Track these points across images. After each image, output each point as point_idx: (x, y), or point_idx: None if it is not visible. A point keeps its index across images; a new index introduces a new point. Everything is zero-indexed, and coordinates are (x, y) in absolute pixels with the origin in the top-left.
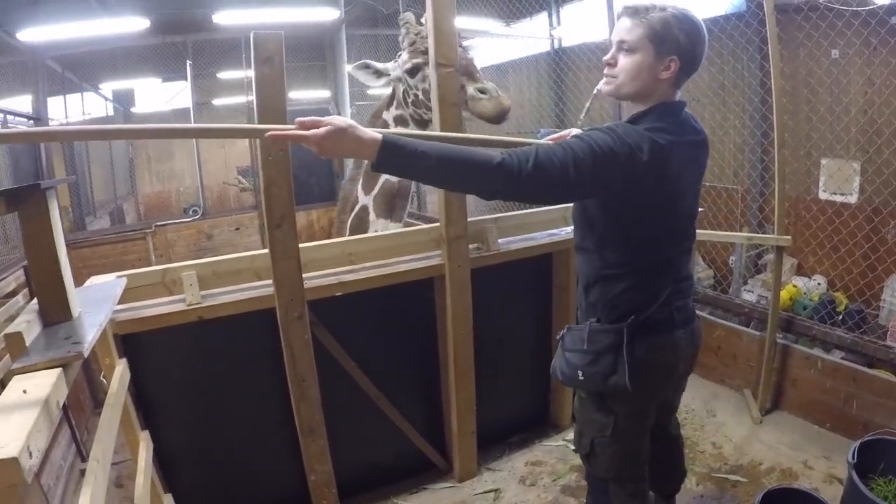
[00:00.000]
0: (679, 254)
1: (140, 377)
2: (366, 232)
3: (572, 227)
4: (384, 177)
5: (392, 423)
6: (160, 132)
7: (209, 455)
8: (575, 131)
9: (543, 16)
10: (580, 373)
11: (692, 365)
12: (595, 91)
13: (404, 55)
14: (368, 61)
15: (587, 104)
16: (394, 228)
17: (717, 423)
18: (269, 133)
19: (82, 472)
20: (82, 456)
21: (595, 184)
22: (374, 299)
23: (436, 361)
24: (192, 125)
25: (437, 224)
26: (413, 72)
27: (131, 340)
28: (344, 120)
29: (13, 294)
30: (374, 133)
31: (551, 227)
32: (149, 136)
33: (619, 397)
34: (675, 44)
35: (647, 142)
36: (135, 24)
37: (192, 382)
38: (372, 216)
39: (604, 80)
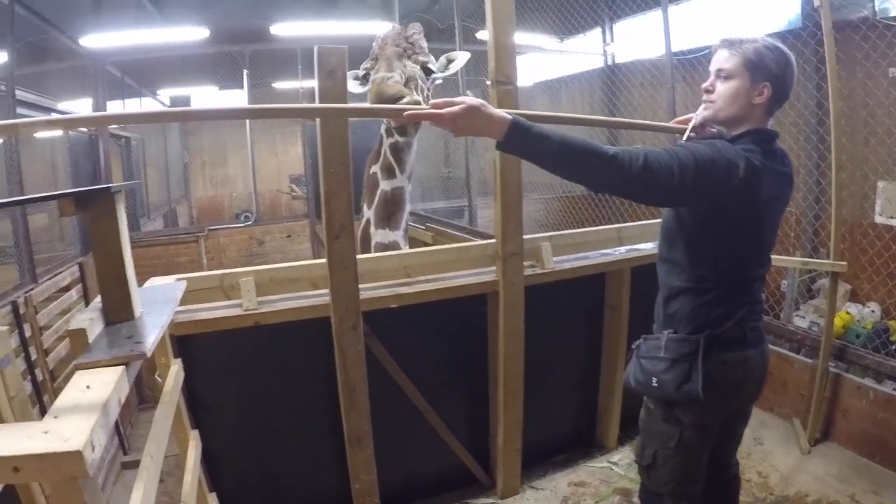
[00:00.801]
0: (756, 278)
1: (192, 377)
2: (369, 244)
3: (626, 248)
4: (380, 187)
5: (438, 436)
6: (280, 111)
7: (255, 457)
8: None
9: (597, 32)
10: (654, 379)
11: (759, 391)
12: (695, 116)
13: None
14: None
15: (688, 131)
16: (393, 237)
17: (764, 451)
18: (407, 113)
19: (123, 465)
20: (124, 449)
21: (694, 190)
22: (427, 312)
23: (485, 377)
24: (321, 105)
25: (493, 240)
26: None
27: (186, 341)
28: (475, 99)
29: (67, 289)
30: (504, 113)
31: (605, 246)
32: (270, 116)
33: (689, 407)
34: (768, 71)
35: (744, 160)
36: (195, 33)
37: (242, 385)
38: (372, 228)
39: (703, 105)
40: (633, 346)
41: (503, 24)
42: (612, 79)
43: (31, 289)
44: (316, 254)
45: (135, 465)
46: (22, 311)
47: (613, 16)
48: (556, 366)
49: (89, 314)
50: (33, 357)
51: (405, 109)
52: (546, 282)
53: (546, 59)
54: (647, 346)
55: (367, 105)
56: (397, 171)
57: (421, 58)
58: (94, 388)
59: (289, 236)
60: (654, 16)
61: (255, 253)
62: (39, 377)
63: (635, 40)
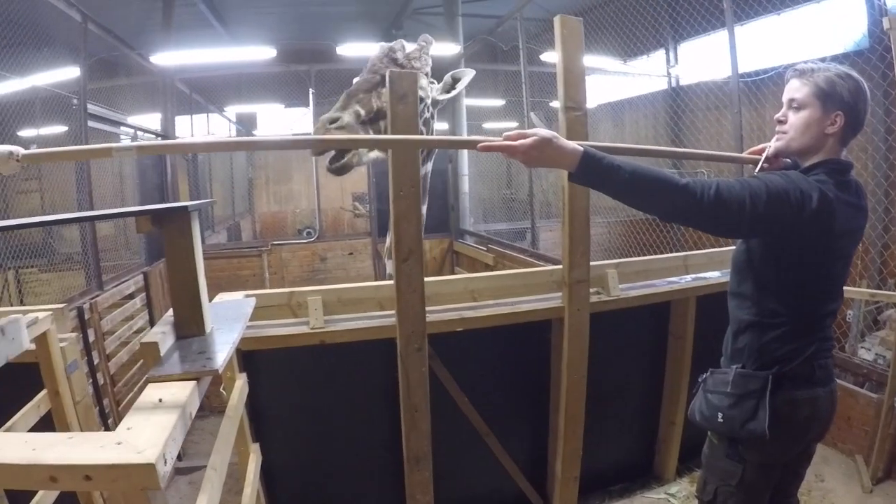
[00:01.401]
0: (828, 313)
1: (254, 391)
2: (384, 273)
3: (692, 276)
4: None
5: (496, 460)
6: (352, 142)
7: (312, 473)
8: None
9: (661, 53)
10: (720, 415)
11: (826, 431)
12: (768, 147)
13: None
14: None
15: (761, 162)
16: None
17: (824, 489)
18: (480, 145)
19: (177, 471)
20: (178, 455)
21: (766, 221)
22: (491, 337)
23: (545, 403)
24: (393, 136)
25: (560, 266)
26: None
27: (251, 356)
28: (547, 131)
29: (131, 296)
30: (576, 145)
31: (671, 274)
32: (344, 146)
33: (753, 445)
34: (840, 100)
35: (817, 191)
36: (262, 53)
37: (304, 402)
38: (385, 258)
39: (775, 136)
40: (700, 380)
41: (572, 50)
42: (676, 101)
43: (97, 295)
44: (377, 272)
45: (188, 471)
46: (87, 316)
47: (677, 37)
48: (617, 394)
49: (161, 328)
50: (95, 361)
51: (478, 141)
52: (611, 309)
53: (610, 82)
54: (714, 380)
55: (437, 137)
56: None
57: None
58: (167, 402)
59: (351, 254)
60: (719, 36)
61: (317, 269)
62: (100, 381)
63: (700, 62)
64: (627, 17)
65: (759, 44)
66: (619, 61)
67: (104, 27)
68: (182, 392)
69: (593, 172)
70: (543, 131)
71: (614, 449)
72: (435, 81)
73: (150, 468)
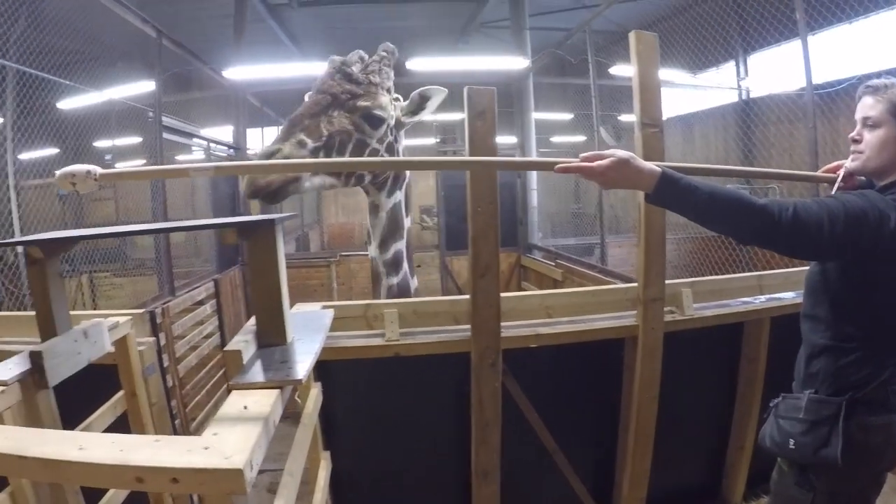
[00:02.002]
0: None
1: (327, 400)
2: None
3: (766, 297)
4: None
5: (563, 478)
6: (430, 164)
7: (379, 483)
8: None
9: (730, 65)
10: (792, 441)
11: None
12: (843, 164)
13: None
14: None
15: (837, 182)
16: (394, 280)
17: None
18: (558, 166)
19: None
20: None
21: (843, 243)
22: (563, 353)
23: (615, 422)
24: (476, 158)
25: (634, 284)
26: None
27: (325, 366)
28: (624, 152)
29: (200, 303)
30: (653, 166)
31: (745, 294)
32: (423, 168)
33: (824, 472)
34: None
35: (895, 210)
36: None
37: (374, 412)
38: (382, 272)
39: (851, 156)
40: (772, 405)
41: (648, 65)
42: (747, 114)
43: (169, 301)
44: (444, 284)
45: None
46: (159, 320)
47: (748, 47)
48: (686, 415)
49: (244, 336)
50: (165, 364)
51: (556, 162)
52: (684, 329)
53: (679, 95)
54: (786, 405)
55: (517, 159)
56: (371, 240)
57: (362, 102)
58: (252, 409)
59: (419, 266)
60: (790, 47)
61: None
62: (169, 383)
63: (771, 73)
64: (696, 28)
65: (831, 54)
66: (688, 74)
67: (178, 42)
68: (266, 400)
69: (671, 194)
70: (620, 152)
71: (681, 471)
72: (400, 98)
73: (237, 473)
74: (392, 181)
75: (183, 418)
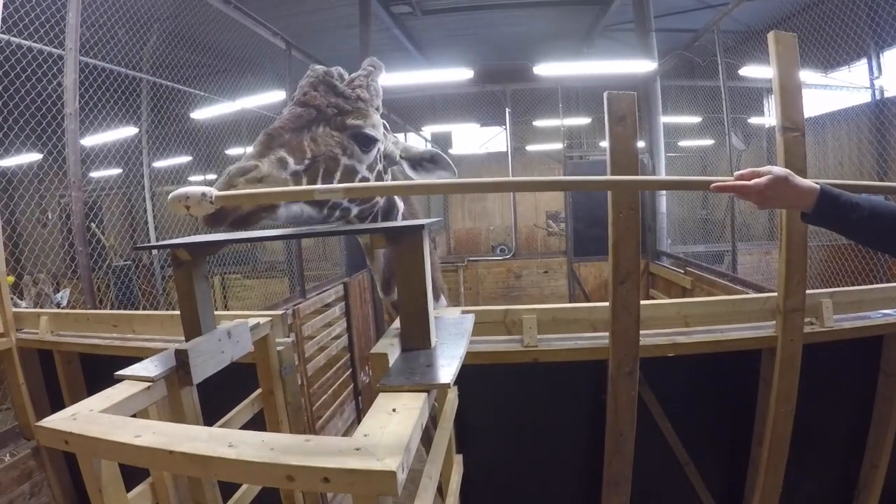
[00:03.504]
0: None
1: (460, 404)
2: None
3: None
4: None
5: (693, 491)
6: (574, 184)
7: (507, 488)
8: None
9: (863, 63)
10: None
11: None
12: None
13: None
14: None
15: None
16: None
17: None
18: (713, 185)
19: None
20: None
21: None
22: (697, 363)
23: (748, 435)
24: (619, 178)
25: (774, 294)
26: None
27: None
28: (781, 169)
29: (329, 306)
30: (812, 183)
31: (887, 306)
32: (571, 189)
33: None
34: None
35: None
36: (459, 74)
37: (507, 417)
38: (381, 293)
39: None
40: None
41: (788, 66)
42: (882, 115)
43: (300, 302)
44: (571, 290)
45: None
46: (290, 321)
47: (882, 43)
48: (818, 431)
49: (388, 339)
50: (295, 363)
51: (711, 181)
52: (822, 341)
53: (809, 95)
54: None
55: (670, 178)
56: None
57: (352, 120)
58: (400, 413)
59: (546, 272)
60: None
61: (512, 286)
62: (298, 382)
63: None
64: (825, 25)
65: None
66: (819, 73)
67: (307, 53)
68: (415, 403)
69: (831, 212)
70: (777, 169)
71: (811, 488)
72: (388, 127)
73: (390, 476)
74: (383, 217)
75: (310, 416)
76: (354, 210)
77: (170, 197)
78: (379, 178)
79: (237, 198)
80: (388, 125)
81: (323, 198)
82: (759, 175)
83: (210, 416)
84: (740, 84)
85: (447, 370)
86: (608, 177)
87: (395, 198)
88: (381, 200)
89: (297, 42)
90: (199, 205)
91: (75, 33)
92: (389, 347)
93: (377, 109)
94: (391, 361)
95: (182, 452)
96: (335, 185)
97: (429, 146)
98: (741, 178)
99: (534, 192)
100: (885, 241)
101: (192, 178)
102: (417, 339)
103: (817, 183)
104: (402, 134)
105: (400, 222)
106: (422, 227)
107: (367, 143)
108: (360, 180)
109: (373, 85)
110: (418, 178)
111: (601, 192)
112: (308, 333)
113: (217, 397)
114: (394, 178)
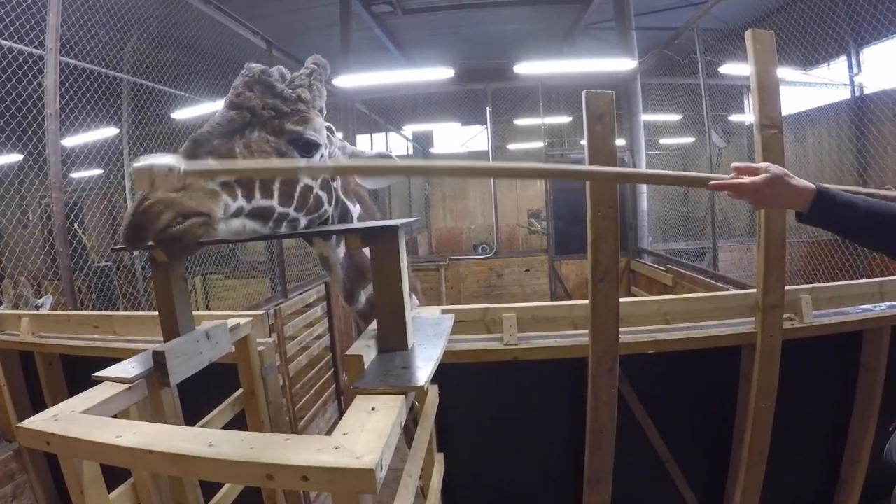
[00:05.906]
0: None
1: (440, 402)
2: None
3: (887, 304)
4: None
5: (675, 487)
6: (555, 172)
7: (488, 486)
8: None
9: (843, 60)
10: None
11: None
12: None
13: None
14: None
15: None
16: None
17: None
18: (711, 183)
19: None
20: None
21: None
22: (677, 360)
23: (728, 432)
24: (600, 168)
25: (753, 290)
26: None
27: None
28: (778, 167)
29: (311, 306)
30: (808, 183)
31: (866, 301)
32: (549, 176)
33: None
34: None
35: None
36: (439, 73)
37: (487, 415)
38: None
39: None
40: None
41: (765, 64)
42: (862, 112)
43: (281, 303)
44: (553, 289)
45: None
46: (271, 322)
47: (861, 41)
48: (798, 426)
49: (365, 341)
50: (276, 363)
51: (709, 178)
52: (802, 337)
53: (789, 92)
54: None
55: (670, 173)
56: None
57: (291, 124)
58: (379, 411)
59: (527, 270)
60: None
61: (494, 285)
62: (280, 382)
63: (887, 68)
64: (804, 24)
65: None
66: (798, 70)
67: (287, 53)
68: (393, 404)
69: (828, 212)
70: (774, 167)
71: (793, 484)
72: (333, 128)
73: (368, 473)
74: (339, 223)
75: (292, 417)
76: (303, 221)
77: (133, 168)
78: (325, 185)
79: (211, 173)
80: (332, 128)
81: (309, 175)
82: (755, 171)
83: (192, 416)
84: (720, 82)
85: (423, 372)
86: (589, 167)
87: (349, 203)
88: (330, 209)
89: (278, 42)
90: (167, 180)
91: (56, 33)
92: (365, 349)
93: (320, 111)
94: (367, 363)
95: (162, 452)
96: (324, 165)
97: (410, 145)
98: (738, 170)
99: (515, 190)
100: (881, 242)
101: (136, 166)
102: (394, 341)
103: (813, 183)
104: (384, 133)
105: (377, 222)
106: (396, 227)
107: (308, 148)
108: (303, 189)
109: (315, 85)
110: (369, 185)
111: (582, 190)
112: (290, 334)
113: (199, 398)
114: (344, 184)
